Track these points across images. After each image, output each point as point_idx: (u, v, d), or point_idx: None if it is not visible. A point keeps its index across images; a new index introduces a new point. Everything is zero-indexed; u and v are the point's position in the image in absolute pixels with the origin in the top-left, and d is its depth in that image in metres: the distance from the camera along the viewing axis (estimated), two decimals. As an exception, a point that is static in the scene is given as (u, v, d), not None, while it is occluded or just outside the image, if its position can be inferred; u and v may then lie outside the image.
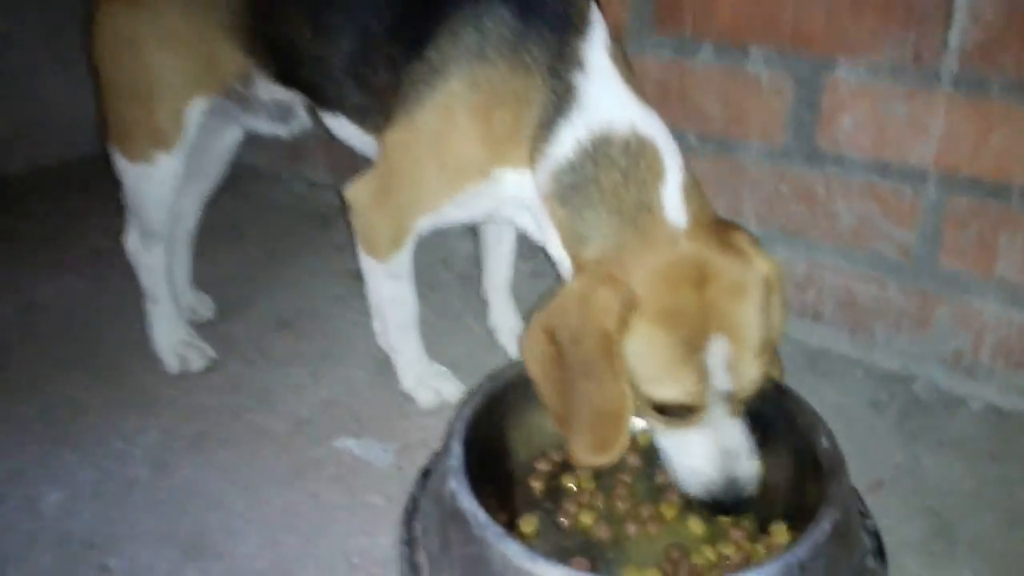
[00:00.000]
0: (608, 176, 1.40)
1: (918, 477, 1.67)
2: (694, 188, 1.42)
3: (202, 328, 2.22)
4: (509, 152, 1.51)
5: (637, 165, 1.39)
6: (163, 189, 1.90)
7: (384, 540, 1.56)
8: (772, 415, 1.58)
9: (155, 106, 1.80)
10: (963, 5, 1.65)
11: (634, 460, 1.61)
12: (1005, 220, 1.74)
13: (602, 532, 1.47)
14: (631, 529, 1.48)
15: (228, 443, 1.83)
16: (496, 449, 1.58)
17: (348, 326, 2.24)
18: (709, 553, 1.42)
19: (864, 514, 1.51)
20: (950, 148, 1.76)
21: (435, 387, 1.91)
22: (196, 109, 1.84)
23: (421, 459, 1.72)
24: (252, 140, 3.22)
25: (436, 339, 2.14)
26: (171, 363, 2.07)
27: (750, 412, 1.57)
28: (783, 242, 2.06)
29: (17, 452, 1.82)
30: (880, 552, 1.42)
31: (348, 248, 1.82)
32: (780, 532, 1.42)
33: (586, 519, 1.49)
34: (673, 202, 1.38)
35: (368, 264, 1.79)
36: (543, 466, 1.61)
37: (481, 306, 2.23)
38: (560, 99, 1.45)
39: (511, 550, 1.25)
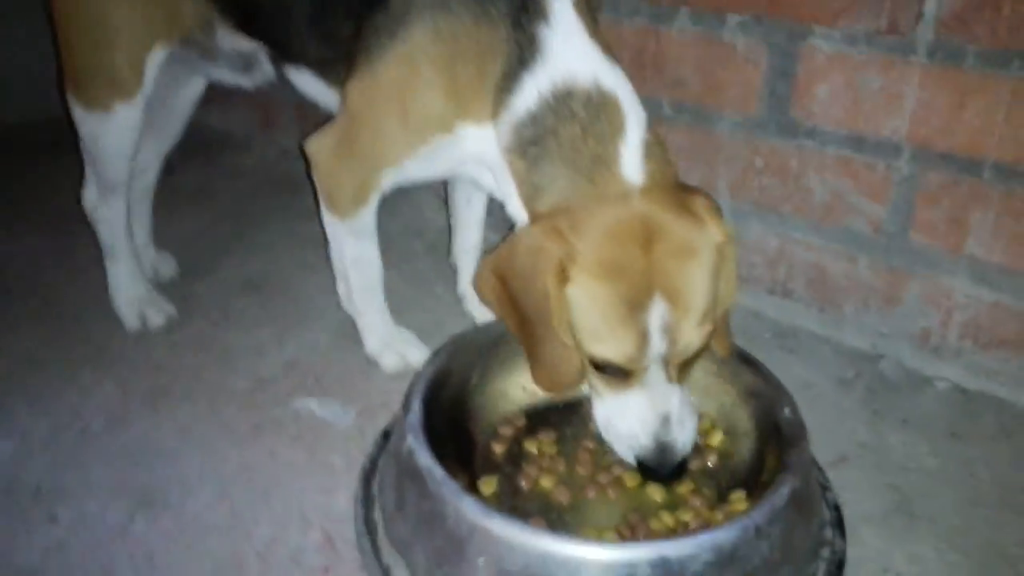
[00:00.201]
0: (567, 128, 1.38)
1: (881, 454, 1.67)
2: (656, 147, 1.40)
3: (166, 288, 2.18)
4: (472, 106, 1.48)
5: (597, 119, 1.38)
6: (121, 139, 1.86)
7: (341, 499, 1.54)
8: (735, 384, 1.58)
9: (113, 53, 1.76)
10: (940, -28, 1.64)
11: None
12: (977, 196, 1.73)
13: (561, 496, 1.46)
14: (590, 494, 1.46)
15: (186, 400, 1.80)
16: (458, 411, 1.57)
17: (314, 291, 2.21)
18: (667, 519, 1.41)
19: (825, 486, 1.51)
20: (924, 121, 1.75)
21: (400, 351, 1.88)
22: (156, 56, 1.80)
23: (383, 421, 1.71)
24: (224, 106, 3.19)
25: (405, 307, 2.13)
26: (130, 320, 2.03)
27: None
28: (756, 216, 2.05)
29: (-31, 403, 1.78)
30: (839, 524, 1.41)
31: (317, 215, 1.79)
32: (739, 500, 1.41)
33: (546, 483, 1.48)
34: (631, 159, 1.36)
35: (331, 222, 1.76)
36: (505, 430, 1.59)
37: (452, 276, 2.21)
38: (523, 51, 1.43)
39: (466, 506, 1.23)
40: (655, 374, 1.35)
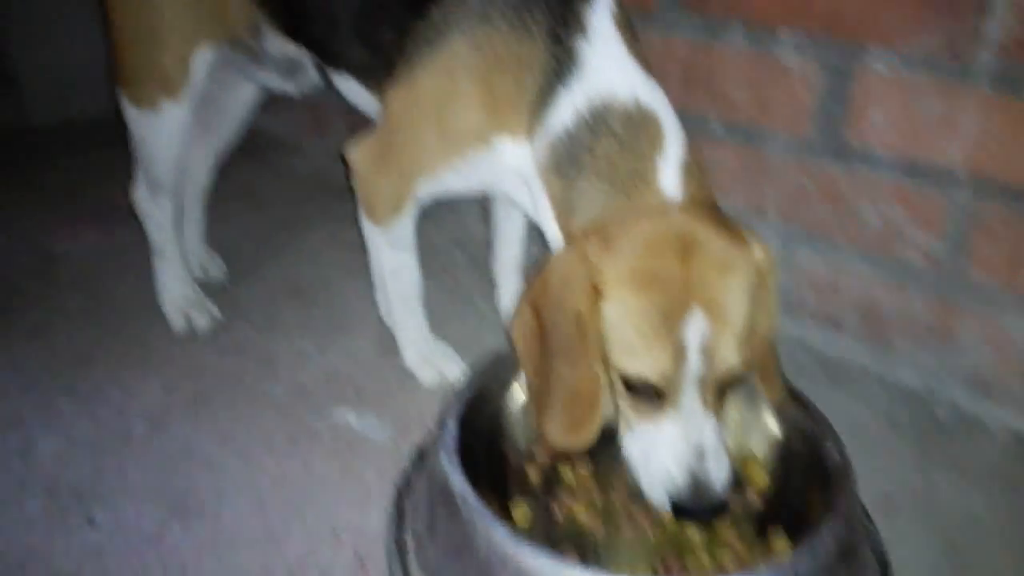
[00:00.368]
0: (604, 144, 1.35)
1: (931, 501, 1.61)
2: (695, 167, 1.36)
3: (212, 291, 2.20)
4: (509, 120, 1.47)
5: (636, 136, 1.34)
6: (170, 138, 1.88)
7: (374, 515, 1.53)
8: (779, 420, 1.53)
9: (161, 51, 1.78)
10: (1003, -4, 1.58)
11: (635, 455, 1.56)
12: (1039, 232, 1.66)
13: (595, 527, 1.43)
14: (625, 527, 1.43)
15: (227, 406, 1.81)
16: (494, 431, 1.55)
17: (358, 299, 2.21)
18: (705, 559, 1.37)
19: (871, 532, 1.46)
20: (983, 150, 1.69)
21: (437, 365, 1.88)
22: (203, 56, 1.82)
23: (418, 437, 1.70)
24: (276, 109, 3.22)
25: (445, 319, 2.12)
26: (176, 321, 2.06)
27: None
28: (805, 242, 2.00)
29: (17, 398, 1.82)
30: (885, 572, 1.36)
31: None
32: (780, 543, 1.37)
33: (580, 512, 1.45)
34: (670, 175, 1.33)
35: (369, 230, 1.77)
36: (541, 455, 1.57)
37: (493, 290, 2.19)
38: (561, 65, 1.40)
39: (498, 535, 1.21)
40: (690, 398, 1.27)
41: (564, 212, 1.41)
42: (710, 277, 1.24)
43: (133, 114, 1.88)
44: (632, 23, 1.48)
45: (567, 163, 1.39)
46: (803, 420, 1.49)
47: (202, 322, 2.07)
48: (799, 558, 1.17)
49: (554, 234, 1.47)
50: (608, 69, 1.39)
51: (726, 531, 1.42)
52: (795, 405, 1.51)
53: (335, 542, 1.48)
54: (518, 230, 2.04)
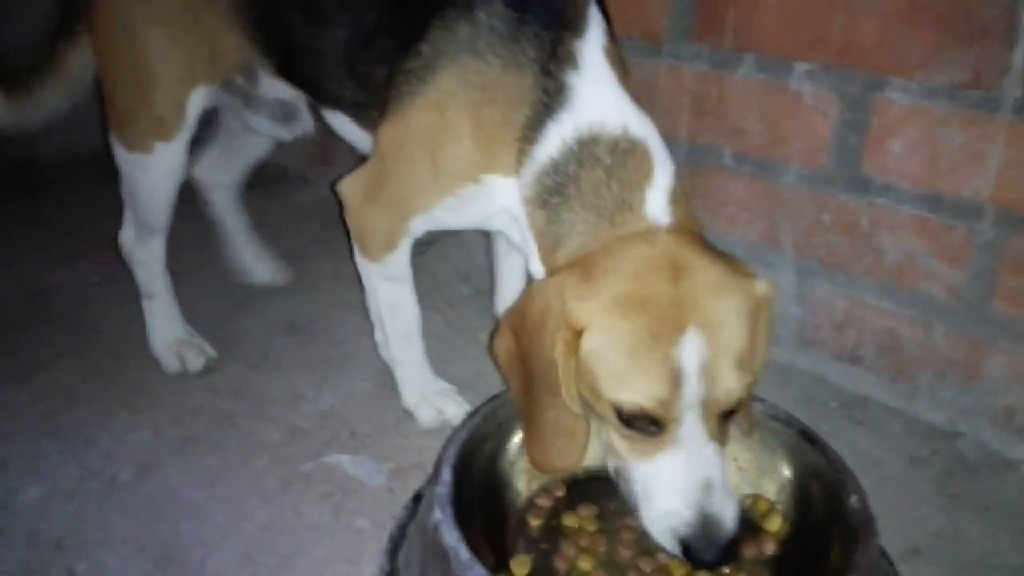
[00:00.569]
0: (590, 174, 1.32)
1: (959, 547, 1.52)
2: (683, 198, 1.34)
3: (207, 327, 2.14)
4: (498, 156, 1.43)
5: (624, 164, 1.32)
6: (161, 180, 1.84)
7: (366, 569, 1.46)
8: (795, 464, 1.45)
9: (154, 94, 1.74)
10: (1032, 24, 1.51)
11: (643, 502, 1.48)
12: (1069, 266, 1.58)
13: (600, 580, 1.34)
14: (633, 580, 1.35)
15: (217, 449, 1.74)
16: (492, 478, 1.47)
17: (358, 335, 2.15)
18: (717, 614, 1.28)
19: (894, 582, 1.37)
20: (1009, 182, 1.61)
21: (438, 406, 1.81)
22: (197, 98, 1.78)
23: (416, 482, 1.63)
24: (281, 142, 3.18)
25: (448, 355, 2.07)
26: (169, 363, 2.00)
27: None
28: (822, 276, 1.92)
29: (2, 442, 1.76)
30: (910, 626, 1.27)
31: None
32: (798, 595, 1.28)
33: (585, 565, 1.37)
34: (657, 204, 1.30)
35: (363, 266, 1.72)
36: (544, 501, 1.49)
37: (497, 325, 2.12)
38: (551, 99, 1.38)
39: (491, 594, 1.13)
40: (692, 427, 1.19)
41: (548, 246, 1.37)
42: (704, 297, 1.18)
43: (124, 156, 1.83)
44: (623, 57, 1.46)
45: (552, 194, 1.36)
46: (821, 464, 1.41)
47: (197, 363, 2.00)
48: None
49: (537, 269, 1.43)
50: (599, 100, 1.38)
51: (738, 585, 1.33)
52: (812, 448, 1.43)
53: (324, 597, 1.40)
54: (520, 266, 1.98)
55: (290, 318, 2.26)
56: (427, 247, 2.56)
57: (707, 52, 1.94)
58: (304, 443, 1.77)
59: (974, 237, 1.69)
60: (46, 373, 1.99)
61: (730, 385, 1.18)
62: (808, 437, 1.45)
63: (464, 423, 1.48)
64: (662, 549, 1.36)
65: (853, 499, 1.31)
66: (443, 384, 1.87)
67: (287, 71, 1.76)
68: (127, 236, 2.00)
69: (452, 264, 2.54)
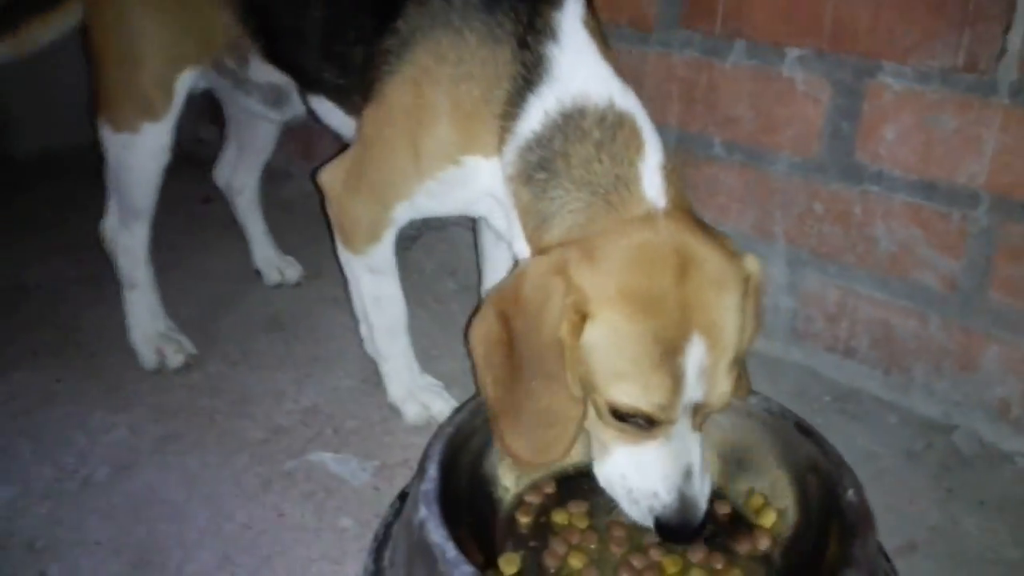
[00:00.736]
0: (579, 148, 1.28)
1: (955, 541, 1.49)
2: (674, 173, 1.30)
3: (187, 324, 2.09)
4: (478, 134, 1.39)
5: (613, 138, 1.28)
6: (148, 161, 1.81)
7: (350, 569, 1.41)
8: (790, 458, 1.42)
9: (142, 73, 1.72)
10: (1028, 4, 1.49)
11: (634, 498, 1.44)
12: (1066, 253, 1.55)
13: (591, 578, 1.31)
14: (624, 577, 1.31)
15: (196, 448, 1.70)
16: (480, 475, 1.43)
17: (341, 331, 2.10)
18: (710, 609, 1.25)
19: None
20: (1005, 167, 1.59)
21: (424, 401, 1.76)
22: (185, 79, 1.76)
23: (401, 480, 1.59)
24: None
25: (434, 350, 2.03)
26: (147, 357, 1.95)
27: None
28: (814, 266, 1.89)
29: (-26, 442, 1.71)
30: (908, 624, 1.24)
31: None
32: (794, 591, 1.25)
33: (575, 562, 1.33)
34: (652, 181, 1.26)
35: (346, 258, 1.67)
36: (533, 498, 1.45)
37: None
38: (530, 72, 1.34)
39: (478, 593, 1.10)
40: (682, 423, 1.21)
41: (535, 225, 1.32)
42: (708, 297, 1.17)
43: (111, 138, 1.80)
44: (603, 29, 1.41)
45: (537, 169, 1.31)
46: (817, 458, 1.38)
47: (177, 360, 1.95)
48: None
49: (523, 251, 1.37)
50: (581, 72, 1.33)
51: (733, 578, 1.30)
52: (808, 441, 1.40)
53: (306, 599, 1.36)
54: (507, 256, 1.93)
55: (272, 314, 2.21)
56: (412, 242, 2.52)
57: (697, 39, 1.91)
58: (286, 441, 1.72)
59: (969, 224, 1.66)
60: (20, 371, 1.93)
61: (725, 388, 1.20)
62: (804, 430, 1.42)
63: (451, 419, 1.44)
64: (653, 545, 1.34)
65: (850, 493, 1.28)
66: (430, 380, 1.83)
67: (272, 54, 1.73)
68: (110, 224, 1.95)
69: (438, 259, 2.50)
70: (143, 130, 1.77)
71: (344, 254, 1.66)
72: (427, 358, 1.96)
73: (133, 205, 1.89)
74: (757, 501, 1.41)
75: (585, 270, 1.17)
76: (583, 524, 1.40)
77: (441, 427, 1.41)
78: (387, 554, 1.36)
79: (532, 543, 1.37)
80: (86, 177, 3.05)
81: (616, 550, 1.36)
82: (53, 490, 1.58)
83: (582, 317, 1.17)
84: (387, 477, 1.62)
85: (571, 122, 1.29)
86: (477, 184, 1.44)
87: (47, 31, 1.86)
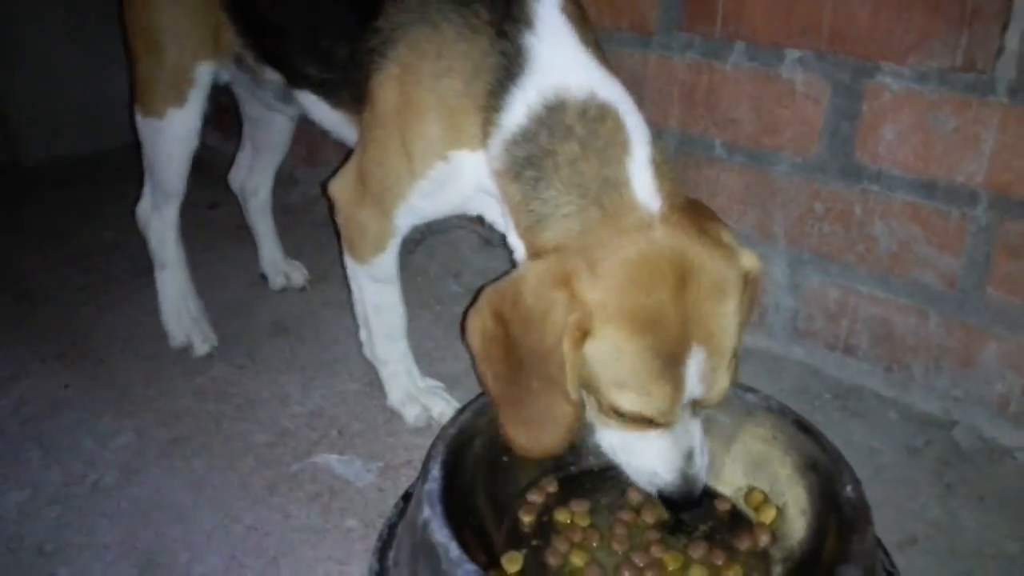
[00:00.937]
0: (565, 146, 1.26)
1: (955, 536, 1.50)
2: (664, 165, 1.27)
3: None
4: (462, 127, 1.38)
5: (596, 134, 1.25)
6: (174, 144, 1.90)
7: (355, 569, 1.43)
8: (790, 455, 1.43)
9: (165, 63, 1.82)
10: (1023, 4, 1.49)
11: (636, 497, 1.45)
12: (1064, 250, 1.56)
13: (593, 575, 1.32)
14: (626, 575, 1.32)
15: (203, 451, 1.71)
16: (483, 475, 1.44)
17: (346, 335, 2.11)
18: (712, 605, 1.26)
19: (890, 571, 1.35)
20: (1004, 166, 1.59)
21: (425, 404, 1.78)
22: (203, 71, 1.84)
23: (405, 481, 1.61)
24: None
25: (438, 353, 2.04)
26: (176, 336, 2.06)
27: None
28: (815, 265, 1.90)
29: (-16, 448, 1.73)
30: (908, 616, 1.25)
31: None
32: (794, 587, 1.26)
33: (577, 560, 1.35)
34: (643, 180, 1.24)
35: (351, 266, 1.70)
36: (535, 497, 1.47)
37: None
38: (510, 63, 1.31)
39: (481, 592, 1.11)
40: (683, 418, 1.25)
41: (528, 224, 1.30)
42: (707, 308, 1.18)
43: (142, 122, 1.92)
44: (585, 15, 1.39)
45: (526, 167, 1.29)
46: (816, 454, 1.39)
47: (202, 349, 2.04)
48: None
49: (516, 245, 1.37)
50: (559, 63, 1.31)
51: (733, 572, 1.31)
52: (808, 438, 1.41)
53: (312, 599, 1.37)
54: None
55: (277, 319, 2.23)
56: (416, 245, 2.53)
57: (698, 42, 1.92)
58: (292, 444, 1.74)
59: (968, 223, 1.67)
60: (29, 378, 1.95)
61: (724, 384, 1.23)
62: (803, 427, 1.43)
63: (453, 419, 1.45)
64: (655, 542, 1.37)
65: (848, 489, 1.29)
66: (430, 382, 1.84)
67: (260, 50, 1.78)
68: (143, 206, 2.06)
69: (441, 262, 2.51)
70: (168, 116, 1.86)
71: (349, 263, 1.69)
72: (430, 360, 1.97)
73: (164, 187, 1.98)
74: (757, 497, 1.42)
75: (588, 286, 1.17)
76: (585, 523, 1.42)
77: (444, 428, 1.43)
78: (392, 554, 1.38)
79: (535, 542, 1.39)
80: (93, 185, 3.10)
81: (618, 548, 1.37)
82: (62, 494, 1.60)
83: (584, 333, 1.18)
84: (391, 478, 1.64)
85: (554, 116, 1.27)
86: (466, 180, 1.43)
87: None
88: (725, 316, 1.20)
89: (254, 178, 2.32)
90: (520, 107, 1.30)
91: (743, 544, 1.36)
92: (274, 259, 2.39)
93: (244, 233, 2.69)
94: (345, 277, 1.71)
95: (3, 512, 1.56)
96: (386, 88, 1.43)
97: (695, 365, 1.18)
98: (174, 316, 2.07)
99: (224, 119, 2.75)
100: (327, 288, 2.38)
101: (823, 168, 1.82)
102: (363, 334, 1.82)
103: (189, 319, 2.07)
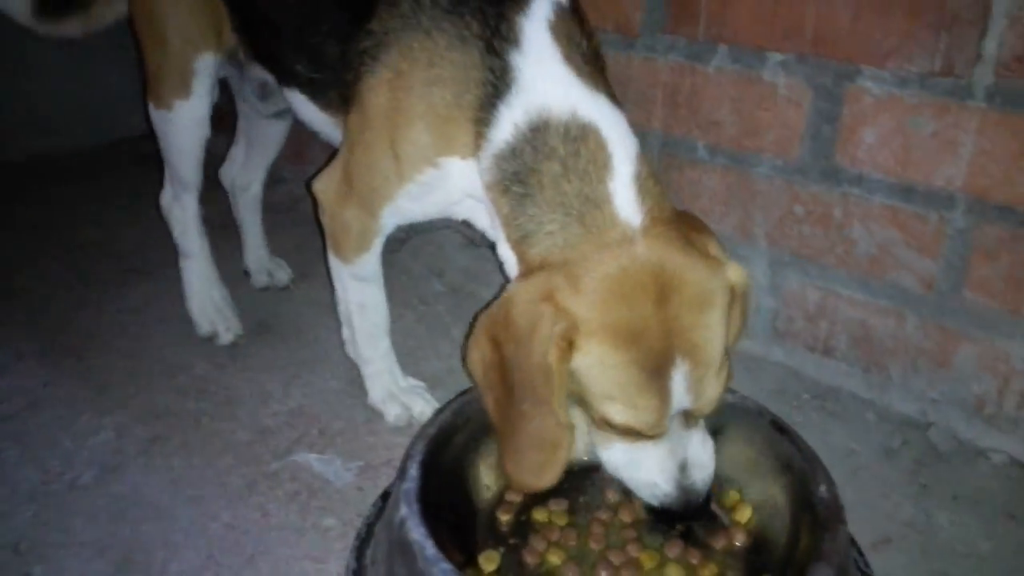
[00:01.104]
0: (549, 166, 1.27)
1: (929, 535, 1.51)
2: (649, 180, 1.28)
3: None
4: (453, 137, 1.39)
5: (577, 154, 1.26)
6: (185, 134, 1.93)
7: (332, 567, 1.43)
8: (766, 455, 1.44)
9: (169, 55, 1.84)
10: (1001, 10, 1.50)
11: (613, 496, 1.46)
12: (1039, 253, 1.58)
13: (571, 575, 1.32)
14: (603, 574, 1.33)
15: (182, 449, 1.71)
16: (461, 475, 1.45)
17: (327, 334, 2.12)
18: (687, 604, 1.27)
19: (866, 574, 1.36)
20: (981, 170, 1.61)
21: (405, 403, 1.78)
22: (206, 63, 1.85)
23: (385, 480, 1.61)
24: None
25: (421, 352, 2.04)
26: (202, 325, 2.08)
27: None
28: (795, 267, 1.91)
29: (-40, 446, 1.72)
30: (881, 615, 1.26)
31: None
32: (769, 586, 1.27)
33: (554, 559, 1.35)
34: (625, 196, 1.24)
35: (335, 265, 1.70)
36: (513, 496, 1.47)
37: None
38: (498, 79, 1.32)
39: (456, 590, 1.11)
40: (674, 429, 1.27)
41: (517, 237, 1.32)
42: (688, 320, 1.19)
43: (154, 114, 1.94)
44: (574, 32, 1.37)
45: (513, 183, 1.31)
46: (791, 455, 1.40)
47: (226, 338, 2.07)
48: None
49: (507, 254, 1.38)
50: (543, 82, 1.31)
51: (708, 571, 1.32)
52: (783, 438, 1.42)
53: (289, 597, 1.37)
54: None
55: (259, 317, 2.22)
56: (400, 244, 2.53)
57: (681, 44, 1.93)
58: (271, 442, 1.74)
59: (946, 226, 1.68)
60: (7, 375, 1.94)
61: (712, 395, 1.24)
62: (779, 428, 1.44)
63: (433, 419, 1.45)
64: (631, 541, 1.37)
65: (822, 489, 1.30)
66: (412, 381, 1.84)
67: (253, 47, 1.79)
68: (165, 196, 2.08)
69: (425, 261, 2.52)
70: (176, 107, 1.89)
71: (333, 261, 1.69)
72: (413, 359, 1.97)
73: (180, 177, 2.00)
74: (732, 497, 1.43)
75: (571, 301, 1.18)
76: (562, 521, 1.42)
77: (423, 427, 1.43)
78: (369, 553, 1.38)
79: (512, 540, 1.39)
80: (79, 182, 3.08)
81: (595, 547, 1.38)
82: (39, 492, 1.59)
83: (569, 345, 1.18)
84: (371, 477, 1.64)
85: (538, 135, 1.28)
86: (456, 185, 1.44)
87: (111, 12, 2.02)
88: (708, 327, 1.20)
89: (246, 174, 2.33)
90: (507, 124, 1.31)
91: (719, 543, 1.37)
92: (259, 256, 2.39)
93: (228, 231, 2.68)
94: (328, 276, 1.71)
95: (-21, 510, 1.55)
96: (377, 92, 1.43)
97: (680, 376, 1.19)
98: (199, 305, 2.10)
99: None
100: (309, 287, 2.38)
101: (804, 171, 1.84)
102: (346, 332, 1.82)
103: (213, 308, 2.10)
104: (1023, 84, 1.52)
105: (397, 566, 1.22)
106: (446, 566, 1.15)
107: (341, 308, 1.78)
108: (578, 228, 1.23)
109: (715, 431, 1.48)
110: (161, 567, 1.43)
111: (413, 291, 2.36)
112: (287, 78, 1.73)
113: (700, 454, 1.31)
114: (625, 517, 1.42)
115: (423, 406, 1.77)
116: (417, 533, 1.20)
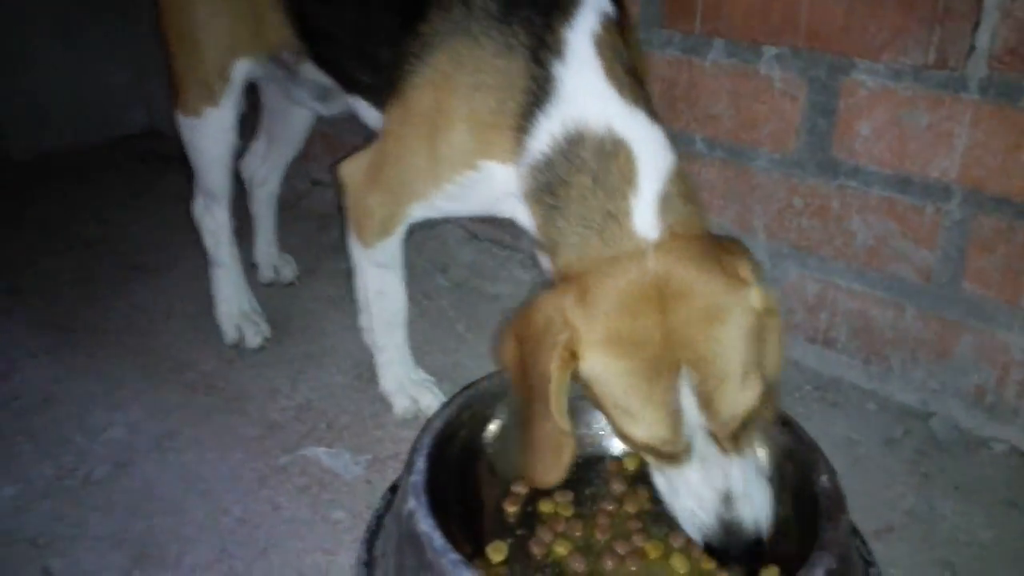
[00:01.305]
0: (580, 179, 1.27)
1: (931, 524, 1.54)
2: (679, 199, 1.26)
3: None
4: (494, 142, 1.39)
5: (608, 170, 1.26)
6: (213, 144, 1.92)
7: (343, 559, 1.46)
8: (768, 446, 1.46)
9: (201, 61, 1.82)
10: (993, 3, 1.52)
11: (618, 487, 1.49)
12: (1035, 245, 1.60)
13: (577, 565, 1.35)
14: (609, 564, 1.36)
15: (193, 445, 1.74)
16: (468, 468, 1.47)
17: (336, 329, 2.14)
18: (691, 594, 1.30)
19: (869, 562, 1.39)
20: (976, 162, 1.63)
21: (413, 395, 1.81)
22: (240, 68, 1.84)
23: (393, 473, 1.63)
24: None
25: (425, 345, 2.06)
26: (229, 333, 2.08)
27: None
28: (794, 259, 1.94)
29: (-25, 444, 1.75)
30: (882, 604, 1.29)
31: (343, 249, 1.78)
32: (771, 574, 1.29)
33: (560, 550, 1.38)
34: (645, 213, 1.24)
35: (355, 250, 1.71)
36: (519, 488, 1.50)
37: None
38: (540, 89, 1.33)
39: (465, 580, 1.14)
40: (704, 447, 1.21)
41: (549, 246, 1.34)
42: (696, 331, 1.16)
43: (181, 122, 1.92)
44: (619, 45, 1.36)
45: (546, 193, 1.31)
46: (793, 445, 1.42)
47: (255, 341, 2.08)
48: (789, 597, 1.10)
49: (545, 264, 1.40)
50: (582, 96, 1.31)
51: (713, 567, 1.34)
52: (784, 430, 1.44)
53: (301, 589, 1.40)
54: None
55: (266, 313, 2.24)
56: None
57: (677, 39, 1.95)
58: (281, 436, 1.76)
59: (942, 217, 1.70)
60: (18, 372, 1.97)
61: (735, 409, 1.18)
62: (780, 419, 1.46)
63: (439, 412, 1.48)
64: (636, 531, 1.40)
65: (823, 479, 1.32)
66: (423, 375, 1.86)
67: (316, 56, 1.78)
68: (197, 205, 2.07)
69: (429, 256, 2.54)
70: (205, 114, 1.87)
71: (354, 246, 1.70)
72: (417, 353, 1.99)
73: (209, 187, 2.00)
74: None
75: (576, 311, 1.19)
76: (568, 513, 1.45)
77: (430, 421, 1.45)
78: (379, 544, 1.40)
79: (519, 532, 1.42)
80: (80, 180, 3.11)
81: (600, 537, 1.40)
82: (54, 488, 1.62)
83: (572, 355, 1.20)
84: (379, 470, 1.67)
85: (573, 148, 1.28)
86: (495, 187, 1.44)
87: None
88: (718, 340, 1.16)
89: (266, 167, 2.34)
90: (545, 135, 1.31)
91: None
92: (268, 251, 2.41)
93: (237, 228, 2.71)
94: (334, 272, 1.73)
95: (-4, 505, 1.58)
96: (420, 91, 1.44)
97: (687, 389, 1.16)
98: (227, 313, 2.10)
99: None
100: (315, 283, 2.40)
101: (801, 164, 1.85)
102: (363, 319, 1.85)
103: (239, 314, 2.10)
104: (1016, 76, 1.53)
105: (407, 557, 1.24)
106: (454, 557, 1.17)
107: (360, 295, 1.81)
108: (596, 242, 1.24)
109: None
110: (176, 560, 1.46)
111: (417, 286, 2.37)
112: (350, 86, 1.74)
113: (743, 485, 1.22)
114: (630, 508, 1.45)
115: (431, 400, 1.80)
116: (425, 525, 1.22)
